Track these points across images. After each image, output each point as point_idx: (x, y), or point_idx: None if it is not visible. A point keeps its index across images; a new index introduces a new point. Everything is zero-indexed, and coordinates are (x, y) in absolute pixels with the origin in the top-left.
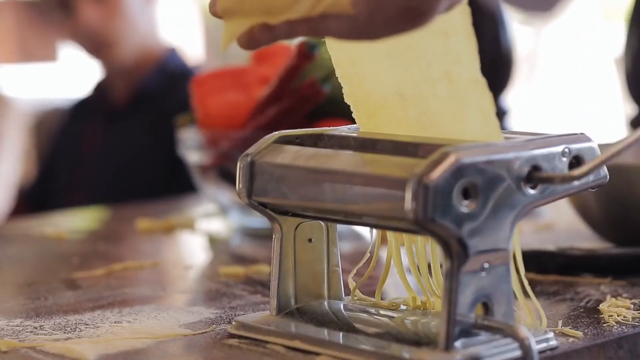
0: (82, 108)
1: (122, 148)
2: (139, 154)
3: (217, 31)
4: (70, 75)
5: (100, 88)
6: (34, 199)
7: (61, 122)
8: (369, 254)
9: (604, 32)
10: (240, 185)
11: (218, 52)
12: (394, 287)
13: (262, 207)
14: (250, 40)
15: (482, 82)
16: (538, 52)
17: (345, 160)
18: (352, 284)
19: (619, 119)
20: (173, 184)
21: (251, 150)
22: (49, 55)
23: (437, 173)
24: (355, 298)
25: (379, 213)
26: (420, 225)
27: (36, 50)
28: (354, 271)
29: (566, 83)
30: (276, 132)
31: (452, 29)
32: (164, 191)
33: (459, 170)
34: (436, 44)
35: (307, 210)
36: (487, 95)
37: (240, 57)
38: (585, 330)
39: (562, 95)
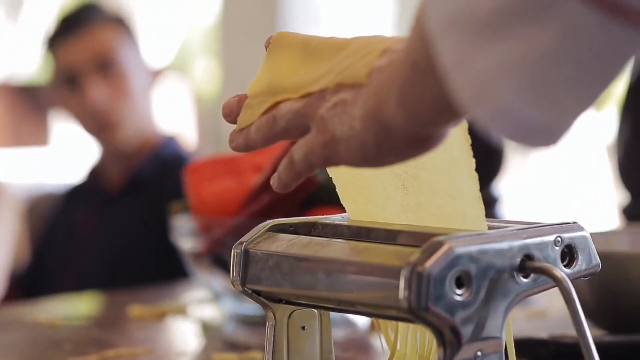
0: (75, 193)
1: (115, 234)
2: (132, 240)
3: (210, 118)
4: (63, 160)
5: (94, 173)
6: (26, 283)
7: (54, 207)
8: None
9: (596, 120)
10: (234, 274)
11: (211, 139)
12: None
13: (256, 295)
14: (277, 178)
15: (475, 176)
16: None
17: (339, 248)
18: None
19: (610, 206)
20: (166, 269)
21: (245, 238)
22: (40, 139)
23: (430, 262)
24: None
25: (372, 302)
26: (413, 313)
27: (28, 135)
28: None
29: (558, 171)
30: (270, 221)
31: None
32: (157, 276)
33: (453, 259)
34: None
35: (300, 298)
36: (477, 187)
37: None
38: None
39: (554, 182)
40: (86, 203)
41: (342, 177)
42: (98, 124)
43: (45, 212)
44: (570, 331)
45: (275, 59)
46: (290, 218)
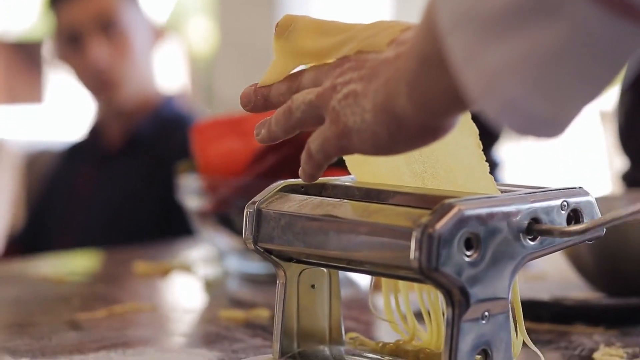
0: (75, 151)
1: (114, 192)
2: (131, 198)
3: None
4: (57, 117)
5: (95, 131)
6: (26, 241)
7: (54, 164)
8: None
9: None
10: (247, 232)
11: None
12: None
13: (267, 254)
14: (302, 171)
15: (481, 146)
16: None
17: (350, 209)
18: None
19: (604, 172)
20: (165, 227)
21: (258, 198)
22: (34, 96)
23: (441, 223)
24: (356, 343)
25: (382, 261)
26: (424, 274)
27: (21, 92)
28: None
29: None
30: (282, 181)
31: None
32: (156, 235)
33: (462, 221)
34: None
35: (311, 257)
36: (483, 157)
37: (230, 103)
38: None
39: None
40: (86, 161)
41: (359, 171)
42: (99, 83)
43: (44, 169)
44: (570, 293)
45: (294, 41)
46: (299, 179)
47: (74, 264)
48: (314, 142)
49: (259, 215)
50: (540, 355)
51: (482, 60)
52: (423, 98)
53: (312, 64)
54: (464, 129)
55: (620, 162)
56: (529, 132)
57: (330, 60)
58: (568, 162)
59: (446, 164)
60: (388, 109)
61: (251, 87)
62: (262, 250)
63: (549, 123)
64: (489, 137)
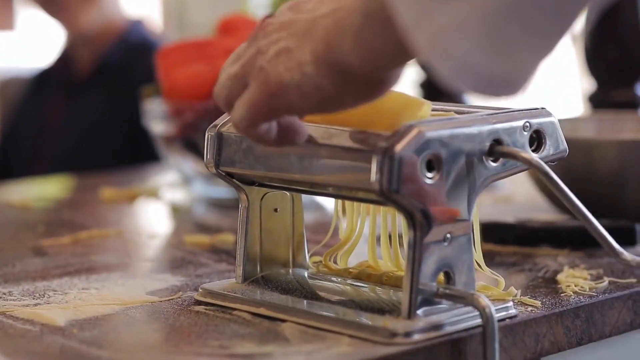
0: (44, 78)
1: (84, 118)
2: (101, 125)
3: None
4: (29, 45)
5: (63, 58)
6: None
7: (23, 91)
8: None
9: None
10: (208, 156)
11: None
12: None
13: (229, 177)
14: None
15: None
16: None
17: (312, 132)
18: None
19: (575, 94)
20: (135, 153)
21: (219, 121)
22: (5, 24)
23: (401, 145)
24: (320, 266)
25: (344, 184)
26: (385, 196)
27: None
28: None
29: None
30: None
31: None
32: (126, 161)
33: (423, 143)
34: None
35: (273, 181)
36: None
37: (202, 29)
38: (544, 300)
39: None
40: (55, 88)
41: None
42: (52, 4)
43: (14, 96)
44: (536, 215)
45: None
46: None
47: (42, 191)
48: (236, 112)
49: (220, 138)
50: (501, 279)
51: (430, 22)
52: (370, 52)
53: None
54: None
55: (588, 84)
56: (484, 91)
57: None
58: (540, 84)
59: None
60: (331, 62)
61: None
62: (223, 174)
63: (503, 81)
64: None
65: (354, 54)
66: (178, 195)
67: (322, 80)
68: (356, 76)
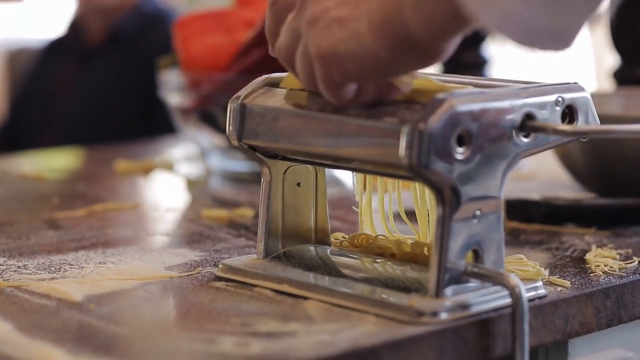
0: (55, 48)
1: (95, 87)
2: (112, 95)
3: None
4: (40, 15)
5: (75, 28)
6: (6, 138)
7: (34, 61)
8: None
9: None
10: (231, 128)
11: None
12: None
13: (252, 150)
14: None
15: None
16: None
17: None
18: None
19: (590, 70)
20: (147, 125)
21: (242, 92)
22: None
23: (432, 120)
24: (344, 243)
25: (372, 159)
26: (414, 171)
27: None
28: None
29: None
30: (267, 75)
31: None
32: (137, 132)
33: (454, 118)
34: None
35: (297, 154)
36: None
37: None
38: (573, 280)
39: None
40: (66, 58)
41: None
42: None
43: (25, 66)
44: (562, 193)
45: None
46: (285, 73)
47: (54, 162)
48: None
49: (243, 110)
50: (522, 256)
51: None
52: (428, 18)
53: None
54: None
55: (612, 59)
56: (533, 44)
57: None
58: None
59: None
60: (391, 30)
61: None
62: (246, 146)
63: (551, 34)
64: (476, 33)
65: (416, 22)
66: (194, 168)
67: (379, 50)
68: (415, 45)
